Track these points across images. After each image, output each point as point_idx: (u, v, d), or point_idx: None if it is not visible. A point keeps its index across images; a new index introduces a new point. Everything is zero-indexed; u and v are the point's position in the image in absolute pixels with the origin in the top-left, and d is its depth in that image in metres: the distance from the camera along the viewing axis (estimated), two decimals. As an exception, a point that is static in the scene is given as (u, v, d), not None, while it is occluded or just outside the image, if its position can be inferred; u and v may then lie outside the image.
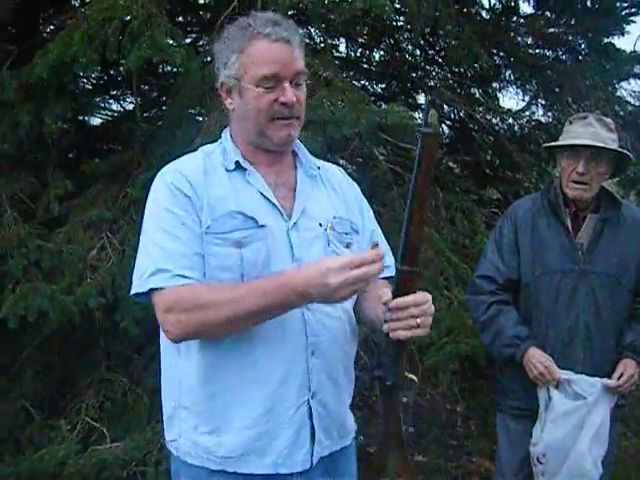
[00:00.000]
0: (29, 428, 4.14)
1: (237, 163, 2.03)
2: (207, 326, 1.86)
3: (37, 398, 4.30)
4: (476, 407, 5.15)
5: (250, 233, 1.94)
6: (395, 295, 1.80)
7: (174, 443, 2.06)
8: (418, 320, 1.79)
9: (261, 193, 2.01)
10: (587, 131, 3.13)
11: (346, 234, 2.12)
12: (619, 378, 3.08)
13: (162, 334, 2.04)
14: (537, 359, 3.06)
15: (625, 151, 3.22)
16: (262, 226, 1.96)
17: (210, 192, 1.96)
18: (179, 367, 2.03)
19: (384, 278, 2.14)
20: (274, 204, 2.01)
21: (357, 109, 3.81)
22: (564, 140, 3.20)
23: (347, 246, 2.10)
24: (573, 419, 3.01)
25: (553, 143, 3.32)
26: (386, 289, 1.84)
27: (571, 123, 3.26)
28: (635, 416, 5.23)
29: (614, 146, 3.14)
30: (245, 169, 2.03)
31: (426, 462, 4.84)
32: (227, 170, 2.03)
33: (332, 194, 2.18)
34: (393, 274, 2.00)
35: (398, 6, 4.92)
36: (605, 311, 3.12)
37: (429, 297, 1.85)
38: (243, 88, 1.98)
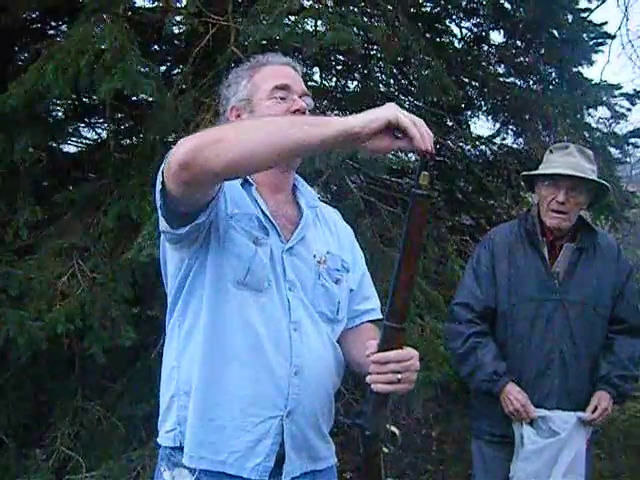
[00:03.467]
0: (3, 457, 4.14)
1: (245, 179, 2.06)
2: (232, 141, 1.69)
3: (11, 427, 4.28)
4: (450, 432, 5.18)
5: (263, 237, 1.99)
6: (380, 349, 1.82)
7: (172, 432, 2.03)
8: (399, 376, 1.80)
9: (263, 212, 2.04)
10: (568, 161, 3.14)
11: (337, 270, 2.15)
12: (593, 411, 3.09)
13: (165, 348, 2.07)
14: (514, 396, 3.07)
15: (605, 182, 3.25)
16: (268, 239, 2.00)
17: (232, 191, 2.00)
18: (177, 355, 2.02)
19: (370, 321, 2.19)
20: (273, 224, 2.04)
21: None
22: (544, 169, 3.22)
23: (336, 282, 2.13)
24: (544, 456, 3.02)
25: (533, 172, 3.33)
26: (372, 341, 1.86)
27: (552, 152, 3.27)
28: (608, 438, 5.29)
29: (594, 177, 3.17)
30: (252, 185, 2.06)
31: (402, 488, 4.84)
32: (238, 183, 2.06)
33: (327, 231, 2.22)
34: (379, 317, 2.06)
35: (370, 36, 5.00)
36: (580, 340, 3.13)
37: (414, 353, 1.85)
38: (255, 104, 2.04)
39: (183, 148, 1.68)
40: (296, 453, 2.02)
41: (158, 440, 2.08)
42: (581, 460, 3.05)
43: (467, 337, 3.18)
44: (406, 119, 1.64)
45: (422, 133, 1.65)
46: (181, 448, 1.99)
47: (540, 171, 3.23)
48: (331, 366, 2.08)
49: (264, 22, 3.90)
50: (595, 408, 3.09)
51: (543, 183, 3.19)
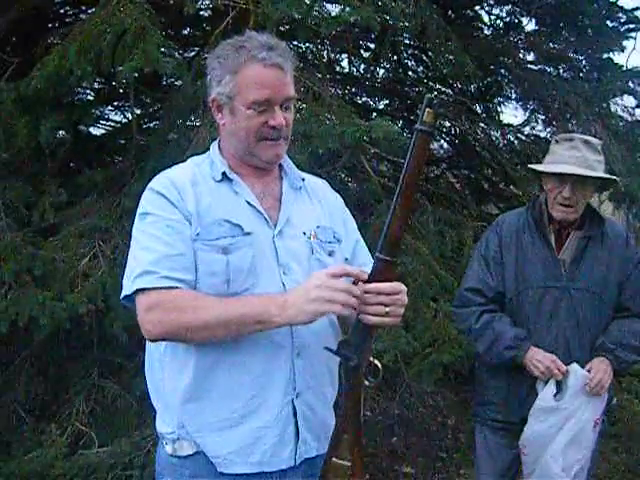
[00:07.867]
0: (20, 431, 4.23)
1: (224, 174, 2.08)
2: (184, 328, 1.89)
3: (29, 402, 4.39)
4: (467, 420, 5.15)
5: (236, 240, 1.99)
6: (370, 280, 1.84)
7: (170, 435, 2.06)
8: (387, 309, 1.82)
9: (248, 202, 2.06)
10: (573, 155, 3.08)
11: (329, 242, 2.16)
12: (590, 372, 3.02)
13: (148, 343, 2.08)
14: (542, 355, 3.02)
15: (610, 176, 3.19)
16: (248, 233, 2.01)
17: (199, 201, 2.01)
18: (164, 368, 2.04)
19: None
20: (260, 212, 2.06)
21: (342, 123, 3.85)
22: (549, 163, 3.15)
23: (330, 254, 2.14)
24: (552, 419, 2.98)
25: (538, 167, 3.23)
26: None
27: (557, 142, 3.20)
28: (627, 432, 5.21)
29: (600, 169, 3.11)
30: (232, 180, 2.09)
31: (413, 474, 4.84)
32: (215, 180, 2.08)
33: (316, 204, 2.23)
34: None
35: (402, 23, 4.98)
36: (586, 327, 3.09)
37: (403, 288, 1.87)
38: (235, 107, 2.03)
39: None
40: (312, 434, 2.04)
41: (158, 428, 2.10)
42: (586, 435, 3.00)
43: (480, 314, 3.15)
44: (327, 306, 1.81)
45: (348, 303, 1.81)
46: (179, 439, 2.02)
47: (544, 168, 3.15)
48: (331, 339, 2.07)
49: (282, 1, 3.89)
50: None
51: (549, 176, 3.14)
